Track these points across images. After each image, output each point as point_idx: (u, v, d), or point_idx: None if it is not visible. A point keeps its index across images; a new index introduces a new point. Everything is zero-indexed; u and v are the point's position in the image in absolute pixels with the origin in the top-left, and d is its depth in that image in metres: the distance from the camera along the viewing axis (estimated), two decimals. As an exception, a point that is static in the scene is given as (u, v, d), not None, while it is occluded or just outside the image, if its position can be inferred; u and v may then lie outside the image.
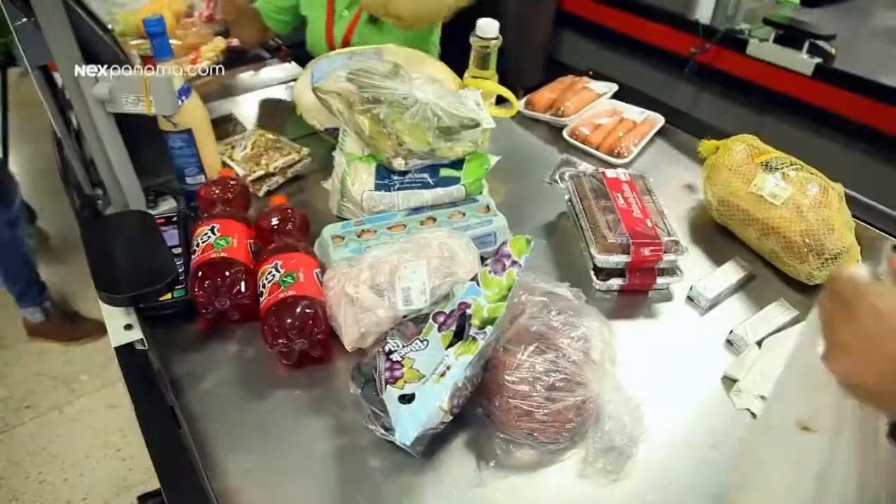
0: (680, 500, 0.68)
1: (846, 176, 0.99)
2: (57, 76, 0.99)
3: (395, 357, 0.71)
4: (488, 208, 0.98)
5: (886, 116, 1.62)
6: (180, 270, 0.86)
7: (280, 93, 1.50)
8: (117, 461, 1.75)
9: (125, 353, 0.79)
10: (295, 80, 1.50)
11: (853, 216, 0.96)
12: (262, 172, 1.11)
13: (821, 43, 1.75)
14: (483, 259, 0.85)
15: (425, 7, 0.82)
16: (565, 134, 1.29)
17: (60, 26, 0.78)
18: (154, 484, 1.46)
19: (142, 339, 0.80)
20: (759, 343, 0.84)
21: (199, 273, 0.81)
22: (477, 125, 0.98)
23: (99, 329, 2.14)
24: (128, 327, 0.81)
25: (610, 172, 1.03)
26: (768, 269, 0.99)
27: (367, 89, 0.95)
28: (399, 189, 0.98)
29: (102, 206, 1.01)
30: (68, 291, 2.28)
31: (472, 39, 1.07)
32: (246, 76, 1.58)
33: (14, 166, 2.54)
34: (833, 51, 1.74)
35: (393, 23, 0.84)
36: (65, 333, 2.12)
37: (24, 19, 0.83)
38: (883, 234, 0.99)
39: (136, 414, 0.72)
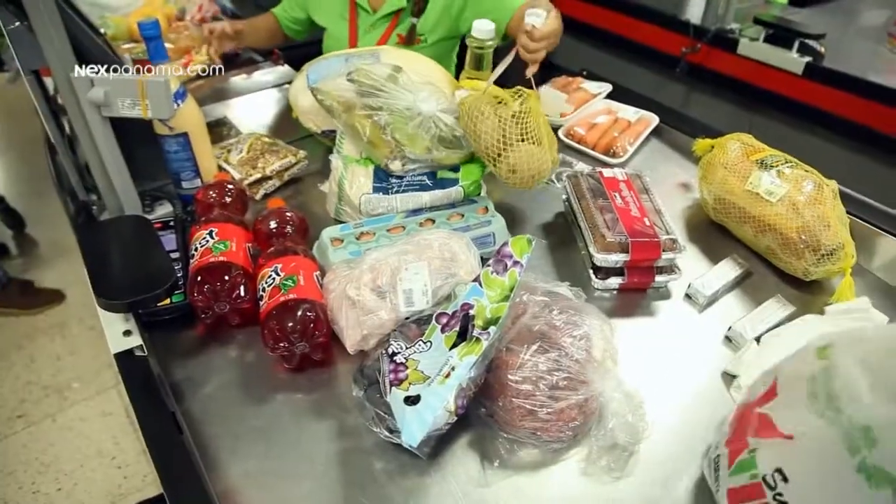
0: (683, 496, 0.68)
1: (836, 173, 1.00)
2: (49, 81, 0.98)
3: (398, 359, 0.71)
4: (487, 209, 0.98)
5: (876, 114, 1.64)
6: (178, 275, 0.85)
7: (274, 96, 1.49)
8: (112, 469, 1.72)
9: (124, 359, 0.78)
10: (288, 83, 1.49)
11: (847, 212, 0.97)
12: (258, 176, 1.10)
13: (811, 42, 1.76)
14: (483, 260, 0.85)
15: (537, 167, 0.94)
16: (561, 134, 1.29)
17: (55, 30, 0.78)
18: (150, 492, 1.45)
19: (141, 345, 0.79)
20: (758, 339, 0.85)
21: (199, 277, 0.80)
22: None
23: (57, 297, 2.22)
24: (127, 333, 0.80)
25: (607, 172, 1.03)
26: (764, 265, 1.00)
27: (368, 96, 0.95)
28: (397, 192, 0.98)
29: (97, 212, 1.00)
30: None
31: (467, 40, 1.07)
32: (238, 79, 1.57)
33: (1, 172, 2.52)
34: (823, 49, 1.76)
35: (506, 177, 0.95)
36: (21, 302, 2.19)
37: (18, 23, 0.82)
38: (876, 229, 1.00)
39: (137, 419, 0.71)
